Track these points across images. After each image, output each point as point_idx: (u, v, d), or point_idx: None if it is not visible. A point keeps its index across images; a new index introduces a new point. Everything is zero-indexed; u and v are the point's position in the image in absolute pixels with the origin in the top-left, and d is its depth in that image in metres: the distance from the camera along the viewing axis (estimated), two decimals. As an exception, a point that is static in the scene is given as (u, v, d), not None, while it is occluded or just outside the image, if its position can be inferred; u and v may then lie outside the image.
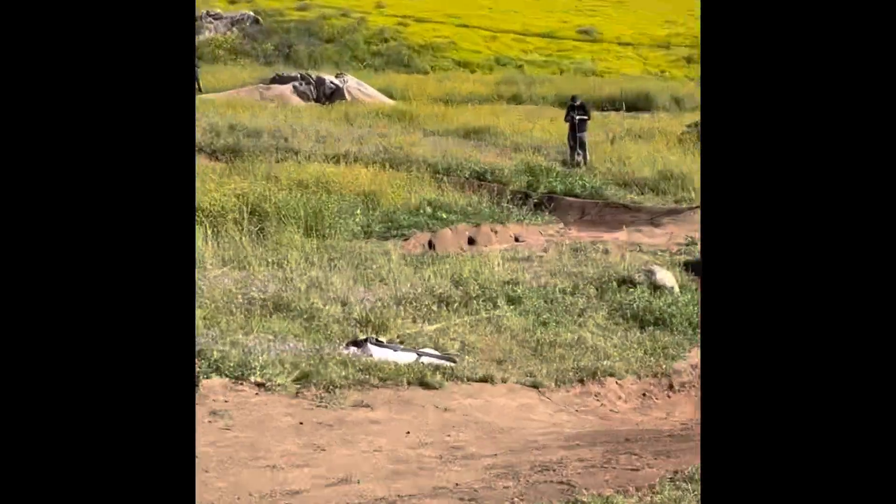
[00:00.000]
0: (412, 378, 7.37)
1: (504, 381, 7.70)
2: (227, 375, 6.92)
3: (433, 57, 40.53)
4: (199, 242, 10.93)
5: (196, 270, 9.87)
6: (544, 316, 9.49)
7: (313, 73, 28.90)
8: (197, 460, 4.86)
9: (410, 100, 27.84)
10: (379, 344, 8.03)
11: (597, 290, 10.34)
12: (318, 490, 5.18)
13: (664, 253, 12.58)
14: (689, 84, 32.67)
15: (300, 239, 12.06)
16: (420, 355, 7.95)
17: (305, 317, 8.77)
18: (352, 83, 28.28)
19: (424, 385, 7.33)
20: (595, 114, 21.87)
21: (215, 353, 7.11)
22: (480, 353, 8.39)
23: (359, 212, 13.77)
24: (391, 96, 28.96)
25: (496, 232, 14.06)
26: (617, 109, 27.71)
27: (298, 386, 6.96)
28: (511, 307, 9.66)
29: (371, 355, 7.74)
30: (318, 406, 6.70)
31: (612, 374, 8.14)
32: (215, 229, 11.85)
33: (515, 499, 5.05)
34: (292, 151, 18.07)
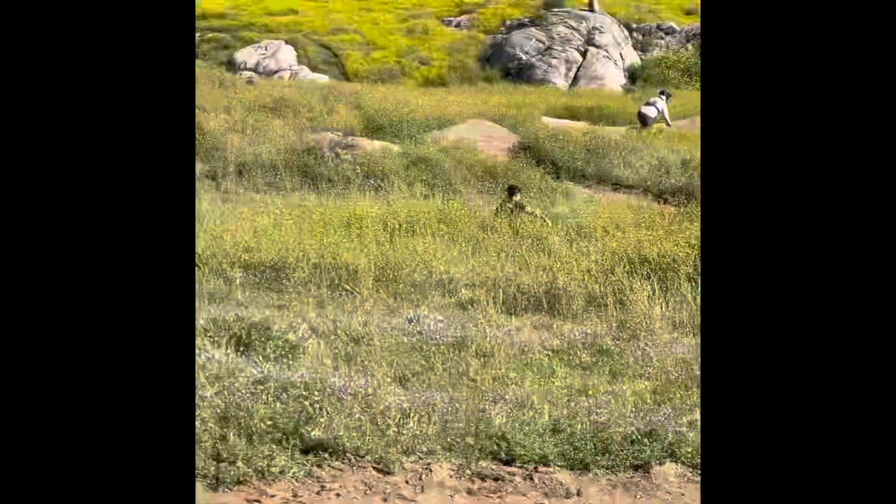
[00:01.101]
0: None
1: None
2: (683, 462, 7.17)
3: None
4: (644, 300, 11.37)
5: (641, 334, 10.26)
6: None
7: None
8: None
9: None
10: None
11: None
12: None
13: None
14: None
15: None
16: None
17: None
18: None
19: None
20: None
21: (671, 434, 7.40)
22: None
23: None
24: None
25: None
26: None
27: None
28: None
29: None
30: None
31: None
32: (664, 285, 12.20)
33: None
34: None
